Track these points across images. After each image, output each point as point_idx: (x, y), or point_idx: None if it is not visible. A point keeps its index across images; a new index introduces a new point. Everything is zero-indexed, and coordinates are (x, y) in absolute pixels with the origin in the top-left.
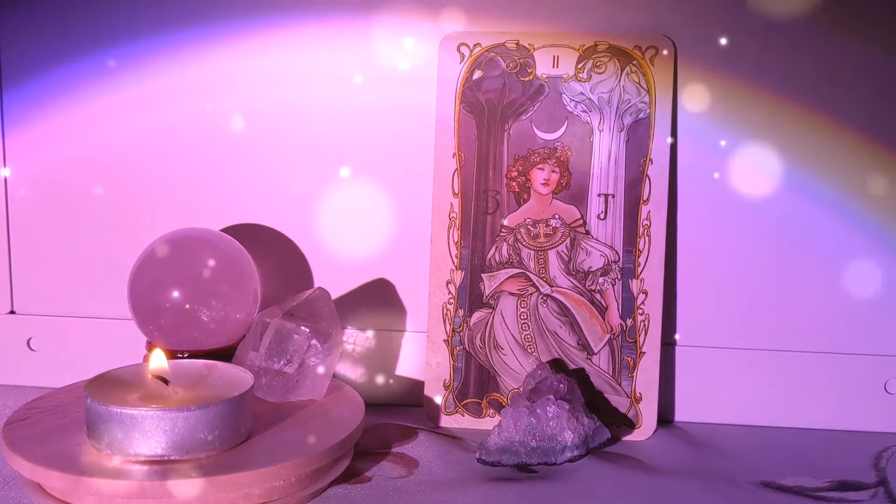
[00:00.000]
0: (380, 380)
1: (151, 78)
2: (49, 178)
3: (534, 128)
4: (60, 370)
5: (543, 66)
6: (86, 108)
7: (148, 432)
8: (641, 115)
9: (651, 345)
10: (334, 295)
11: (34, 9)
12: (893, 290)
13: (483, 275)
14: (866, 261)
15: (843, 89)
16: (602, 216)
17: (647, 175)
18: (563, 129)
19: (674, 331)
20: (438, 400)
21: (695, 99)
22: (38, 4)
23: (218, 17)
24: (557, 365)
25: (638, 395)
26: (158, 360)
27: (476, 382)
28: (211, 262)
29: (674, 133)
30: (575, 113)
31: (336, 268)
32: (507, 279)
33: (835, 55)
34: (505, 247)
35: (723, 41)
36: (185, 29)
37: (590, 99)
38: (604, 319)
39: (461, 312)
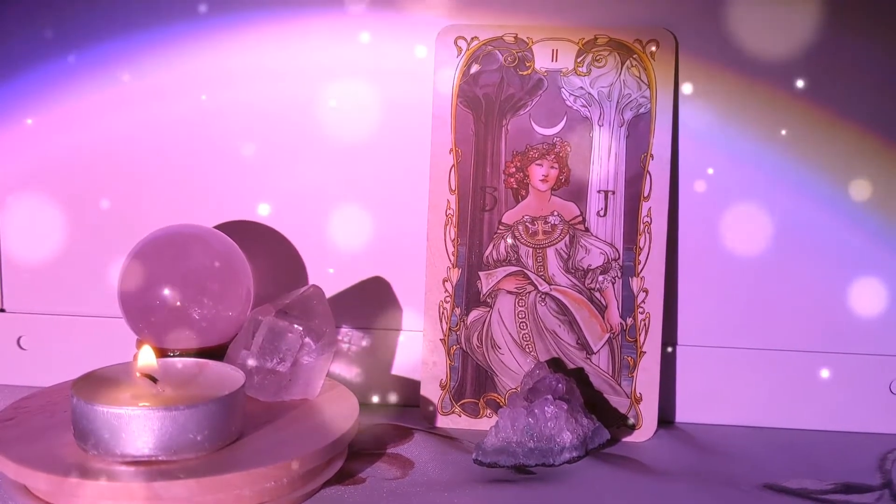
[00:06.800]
0: (375, 379)
1: (144, 73)
2: (39, 174)
3: (532, 123)
4: (51, 369)
5: (542, 60)
6: (77, 104)
7: (135, 432)
8: (642, 110)
9: (651, 344)
10: (329, 293)
11: (26, 2)
12: None
13: (480, 273)
14: (870, 260)
15: (846, 85)
16: (602, 213)
17: (647, 171)
18: (562, 125)
19: (675, 330)
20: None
21: (696, 93)
22: None
23: (212, 12)
24: (556, 364)
25: (638, 395)
26: (147, 358)
27: (473, 382)
28: (203, 260)
29: (675, 128)
30: (574, 108)
31: (330, 265)
32: (504, 277)
33: (838, 49)
34: (502, 244)
35: (724, 35)
36: (180, 23)
37: (589, 93)
38: (603, 318)
39: (458, 311)
